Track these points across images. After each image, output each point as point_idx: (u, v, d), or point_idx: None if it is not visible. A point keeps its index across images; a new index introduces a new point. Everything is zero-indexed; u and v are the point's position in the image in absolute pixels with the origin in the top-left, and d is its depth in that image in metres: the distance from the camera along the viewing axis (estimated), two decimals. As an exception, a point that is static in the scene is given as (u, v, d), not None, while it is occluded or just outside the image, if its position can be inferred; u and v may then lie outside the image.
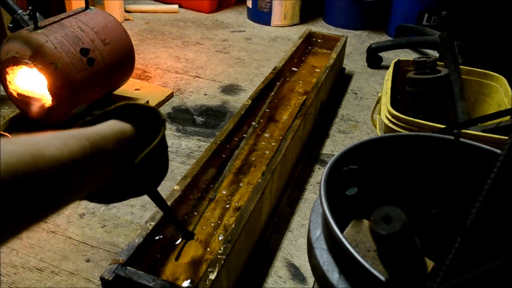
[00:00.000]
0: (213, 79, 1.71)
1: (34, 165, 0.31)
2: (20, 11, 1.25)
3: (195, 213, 0.90)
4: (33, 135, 0.34)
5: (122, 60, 1.32)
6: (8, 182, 0.28)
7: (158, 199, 0.59)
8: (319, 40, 1.76)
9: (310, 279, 0.89)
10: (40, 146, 0.33)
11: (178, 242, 0.80)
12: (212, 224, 0.88)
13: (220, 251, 0.72)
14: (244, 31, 2.25)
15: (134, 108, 0.51)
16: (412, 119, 0.96)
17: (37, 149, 0.32)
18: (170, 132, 1.36)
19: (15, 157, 0.29)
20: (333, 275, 0.46)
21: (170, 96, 1.55)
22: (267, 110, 1.28)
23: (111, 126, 0.45)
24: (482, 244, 0.54)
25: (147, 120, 0.52)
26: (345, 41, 1.70)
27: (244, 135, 1.14)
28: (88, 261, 0.91)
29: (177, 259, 0.76)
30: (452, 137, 0.60)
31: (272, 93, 1.36)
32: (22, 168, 0.30)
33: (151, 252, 0.77)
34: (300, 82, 1.48)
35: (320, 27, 2.36)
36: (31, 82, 1.20)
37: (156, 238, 0.78)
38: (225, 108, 1.52)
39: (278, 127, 1.21)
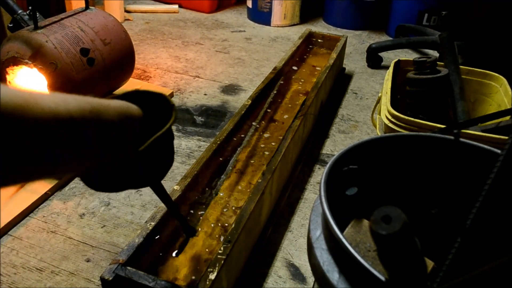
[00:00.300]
0: (213, 79, 1.71)
1: (26, 110, 0.30)
2: (20, 11, 1.25)
3: (195, 213, 0.90)
4: (36, 91, 0.33)
5: (122, 60, 1.32)
6: None
7: (161, 192, 0.58)
8: (319, 40, 1.76)
9: (310, 279, 0.89)
10: (37, 96, 0.32)
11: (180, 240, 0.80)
12: (212, 224, 0.88)
13: (220, 251, 0.72)
14: (244, 31, 2.25)
15: (144, 94, 0.50)
16: (412, 119, 0.96)
17: (33, 97, 0.31)
18: (170, 132, 1.36)
19: (8, 97, 0.28)
20: (333, 275, 0.46)
21: (170, 96, 1.55)
22: (267, 110, 1.28)
23: (117, 102, 0.44)
24: (482, 244, 0.54)
25: (157, 107, 0.51)
26: (345, 41, 1.70)
27: (244, 135, 1.14)
28: (88, 261, 0.91)
29: (177, 254, 0.75)
30: (452, 137, 0.59)
31: (272, 93, 1.36)
32: (12, 108, 0.29)
33: (151, 252, 0.77)
34: (300, 82, 1.48)
35: (320, 27, 2.36)
36: (31, 82, 1.20)
37: (156, 238, 0.78)
38: (225, 108, 1.52)
39: (278, 127, 1.21)
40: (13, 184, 0.32)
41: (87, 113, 0.36)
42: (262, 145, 1.13)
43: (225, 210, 0.92)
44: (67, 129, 0.34)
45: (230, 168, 1.02)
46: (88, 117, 0.37)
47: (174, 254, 0.77)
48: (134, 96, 0.49)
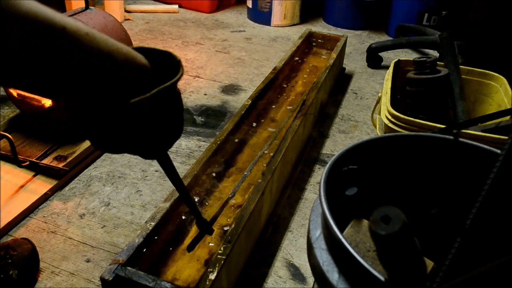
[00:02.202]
0: (213, 79, 1.71)
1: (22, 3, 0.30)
2: (20, 11, 1.25)
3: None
4: None
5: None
6: None
7: (169, 170, 0.52)
8: (319, 40, 1.76)
9: (310, 279, 0.89)
10: (38, 4, 0.32)
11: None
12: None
13: (220, 251, 0.72)
14: (244, 31, 2.25)
15: (148, 51, 0.46)
16: (412, 119, 0.96)
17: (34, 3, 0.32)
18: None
19: None
20: (333, 275, 0.46)
21: (170, 96, 1.55)
22: (267, 110, 1.28)
23: (123, 44, 0.42)
24: (482, 244, 0.54)
25: (162, 65, 0.47)
26: (345, 41, 1.70)
27: (244, 135, 1.14)
28: (88, 261, 0.91)
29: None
30: (452, 137, 0.59)
31: (272, 93, 1.36)
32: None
33: (151, 252, 0.77)
34: (300, 82, 1.48)
35: (320, 27, 2.36)
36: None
37: (156, 238, 0.78)
38: (225, 108, 1.52)
39: (278, 127, 1.21)
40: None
41: (83, 34, 0.36)
42: (262, 145, 1.13)
43: (225, 210, 0.92)
44: (59, 39, 0.33)
45: (230, 168, 1.02)
46: (82, 37, 0.36)
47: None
48: (139, 51, 0.46)
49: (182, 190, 0.56)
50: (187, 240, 0.84)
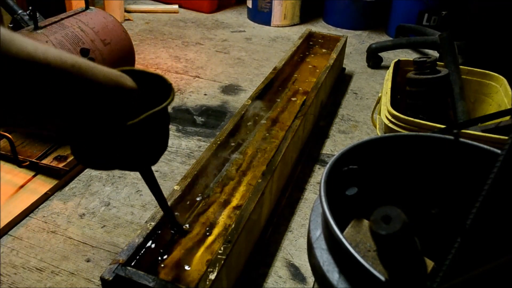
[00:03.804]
0: (213, 79, 1.71)
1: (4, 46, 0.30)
2: (20, 11, 1.25)
3: (195, 213, 0.90)
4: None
5: (122, 60, 1.32)
6: None
7: (150, 180, 0.56)
8: (319, 40, 1.76)
9: (310, 279, 0.89)
10: (16, 37, 0.32)
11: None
12: (212, 224, 0.88)
13: (220, 251, 0.72)
14: (244, 31, 2.25)
15: (139, 74, 0.47)
16: (412, 119, 0.96)
17: (10, 36, 0.31)
18: (170, 132, 1.36)
19: None
20: (333, 275, 0.46)
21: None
22: (267, 110, 1.28)
23: (109, 69, 0.42)
24: (482, 244, 0.54)
25: (153, 88, 0.48)
26: (345, 41, 1.70)
27: (244, 135, 1.14)
28: (88, 261, 0.91)
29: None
30: (452, 137, 0.59)
31: (272, 93, 1.36)
32: None
33: (151, 252, 0.77)
34: (300, 82, 1.48)
35: (320, 27, 2.36)
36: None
37: (156, 238, 0.78)
38: (225, 108, 1.52)
39: (278, 127, 1.21)
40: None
41: (68, 66, 0.36)
42: (262, 145, 1.13)
43: (225, 210, 0.92)
44: (43, 74, 0.33)
45: (230, 168, 1.01)
46: (68, 69, 0.36)
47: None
48: (130, 74, 0.47)
49: (159, 195, 0.59)
50: (187, 240, 0.84)
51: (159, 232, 0.79)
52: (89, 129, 0.41)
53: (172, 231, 0.69)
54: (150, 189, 0.58)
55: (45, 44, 0.33)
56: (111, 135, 0.43)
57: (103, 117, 0.41)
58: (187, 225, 0.70)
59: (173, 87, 0.50)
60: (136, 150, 0.47)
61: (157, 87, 0.49)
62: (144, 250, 0.75)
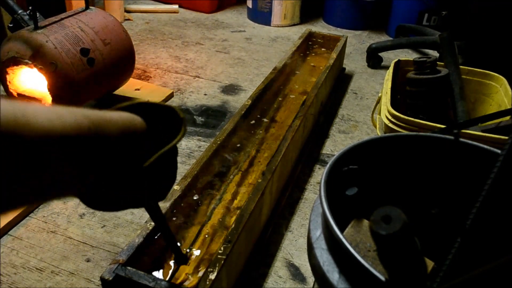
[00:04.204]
0: (213, 79, 1.71)
1: (15, 128, 0.27)
2: (20, 11, 1.25)
3: (195, 213, 0.90)
4: (28, 103, 0.30)
5: (122, 60, 1.32)
6: None
7: (157, 214, 0.55)
8: (319, 40, 1.76)
9: (310, 279, 0.89)
10: (29, 112, 0.29)
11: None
12: (212, 224, 0.88)
13: (220, 251, 0.72)
14: (244, 31, 2.25)
15: (150, 107, 0.46)
16: (412, 119, 0.96)
17: (24, 114, 0.28)
18: (170, 132, 1.36)
19: None
20: (333, 275, 0.46)
21: (170, 96, 1.55)
22: (267, 110, 1.28)
23: (120, 115, 0.40)
24: (482, 244, 0.54)
25: (163, 121, 0.47)
26: (345, 41, 1.70)
27: (244, 135, 1.14)
28: (88, 261, 0.91)
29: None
30: (452, 137, 0.59)
31: (272, 93, 1.36)
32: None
33: (151, 252, 0.77)
34: (300, 82, 1.48)
35: (320, 27, 2.36)
36: (31, 82, 1.20)
37: (156, 238, 0.78)
38: (225, 108, 1.52)
39: (278, 127, 1.21)
40: (7, 210, 0.28)
41: (85, 130, 0.33)
42: (262, 145, 1.13)
43: (225, 210, 0.92)
44: (63, 148, 0.31)
45: (230, 168, 1.01)
46: (86, 134, 0.33)
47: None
48: (140, 107, 0.45)
49: (165, 227, 0.58)
50: (187, 240, 0.84)
51: (159, 232, 0.79)
52: (103, 179, 0.39)
53: (177, 263, 0.69)
54: (155, 222, 0.56)
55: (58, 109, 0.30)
56: (125, 179, 0.41)
57: (116, 164, 0.39)
58: (188, 250, 0.70)
59: (185, 120, 0.48)
60: (149, 189, 0.46)
61: (168, 119, 0.48)
62: (144, 250, 0.75)
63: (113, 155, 0.38)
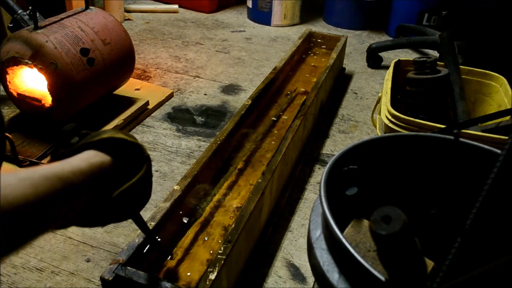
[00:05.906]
0: (213, 79, 1.71)
1: None
2: (20, 11, 1.25)
3: (195, 213, 0.90)
4: (4, 175, 0.35)
5: (122, 60, 1.32)
6: None
7: (139, 222, 0.65)
8: (319, 40, 1.76)
9: (310, 279, 0.89)
10: (7, 191, 0.34)
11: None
12: (212, 224, 0.88)
13: (220, 251, 0.72)
14: (244, 31, 2.25)
15: (118, 141, 0.51)
16: (412, 119, 0.96)
17: (2, 194, 0.33)
18: (170, 132, 1.36)
19: None
20: (333, 275, 0.46)
21: (170, 96, 1.55)
22: (267, 110, 1.28)
23: (89, 160, 0.46)
24: (482, 244, 0.54)
25: (131, 154, 0.52)
26: (345, 41, 1.70)
27: (244, 135, 1.14)
28: (88, 261, 0.91)
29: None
30: (452, 137, 0.59)
31: (272, 93, 1.36)
32: None
33: (151, 252, 0.77)
34: (300, 82, 1.48)
35: (320, 27, 2.36)
36: (31, 82, 1.20)
37: (156, 238, 0.78)
38: (225, 108, 1.52)
39: (278, 127, 1.21)
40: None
41: (59, 190, 0.39)
42: (262, 145, 1.13)
43: (225, 210, 0.92)
44: (38, 211, 0.36)
45: (230, 168, 1.01)
46: (60, 193, 0.39)
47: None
48: (107, 142, 0.50)
49: (148, 231, 0.69)
50: (187, 240, 0.84)
51: (159, 232, 0.79)
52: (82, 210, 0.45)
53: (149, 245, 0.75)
54: (140, 228, 0.67)
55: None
56: (101, 207, 0.49)
57: (87, 201, 0.45)
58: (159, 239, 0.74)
59: (149, 158, 0.55)
60: (124, 209, 0.53)
61: (134, 155, 0.53)
62: (144, 250, 0.75)
63: (85, 197, 0.44)
